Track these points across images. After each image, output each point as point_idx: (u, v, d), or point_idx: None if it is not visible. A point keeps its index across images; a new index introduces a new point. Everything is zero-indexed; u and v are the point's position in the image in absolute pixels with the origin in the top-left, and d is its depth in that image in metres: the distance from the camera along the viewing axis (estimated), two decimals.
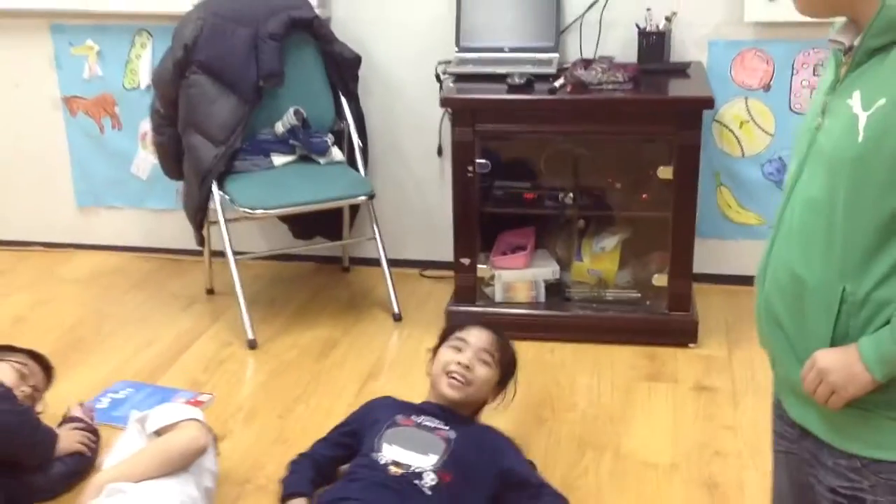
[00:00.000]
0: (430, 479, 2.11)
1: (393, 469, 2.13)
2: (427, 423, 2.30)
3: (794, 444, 1.57)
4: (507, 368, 2.48)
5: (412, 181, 3.59)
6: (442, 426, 2.29)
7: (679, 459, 2.57)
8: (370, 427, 2.28)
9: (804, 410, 1.50)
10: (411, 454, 2.18)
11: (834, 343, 1.42)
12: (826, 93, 1.44)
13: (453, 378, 2.37)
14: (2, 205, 3.97)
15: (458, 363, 2.37)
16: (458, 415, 2.37)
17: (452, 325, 2.57)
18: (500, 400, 2.49)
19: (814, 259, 1.42)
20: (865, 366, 1.38)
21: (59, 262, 3.86)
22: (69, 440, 2.48)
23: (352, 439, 2.33)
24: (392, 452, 2.17)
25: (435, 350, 2.49)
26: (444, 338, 2.50)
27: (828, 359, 1.41)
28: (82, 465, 2.47)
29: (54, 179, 3.88)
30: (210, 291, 3.57)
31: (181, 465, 2.15)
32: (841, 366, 1.40)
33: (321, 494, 2.20)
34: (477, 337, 2.44)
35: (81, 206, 3.92)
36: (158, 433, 2.22)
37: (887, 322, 1.36)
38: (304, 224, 3.59)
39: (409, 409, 2.38)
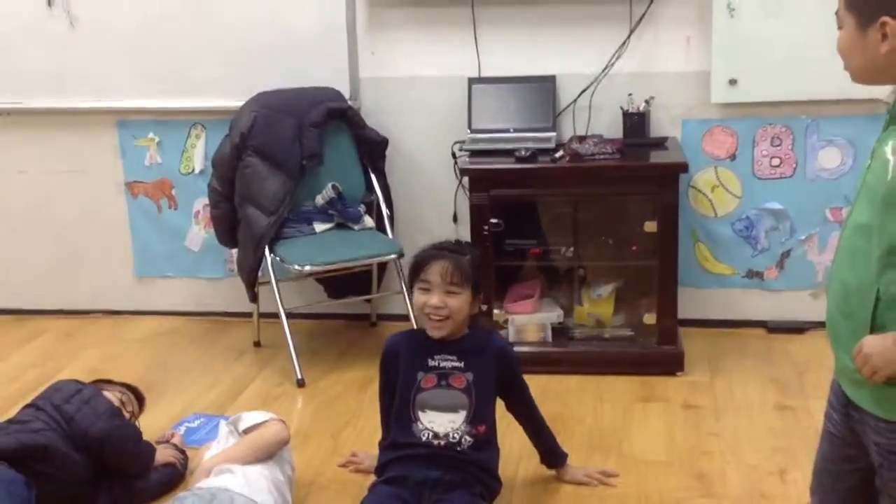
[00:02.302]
0: (466, 442, 2.60)
1: (436, 443, 2.60)
2: (445, 366, 2.65)
3: (841, 416, 1.94)
4: (475, 280, 2.67)
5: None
6: (457, 365, 2.65)
7: (672, 458, 3.05)
8: (402, 388, 2.68)
9: (857, 391, 1.86)
10: (444, 416, 2.62)
11: (874, 332, 1.75)
12: (877, 140, 1.81)
13: (432, 319, 2.64)
14: (68, 277, 4.46)
15: (431, 305, 2.62)
16: (461, 340, 2.69)
17: (416, 264, 2.69)
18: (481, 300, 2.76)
19: (857, 268, 1.78)
20: None
21: (120, 325, 4.36)
22: (164, 454, 2.95)
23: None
24: (427, 420, 2.62)
25: (410, 288, 2.75)
26: (412, 277, 2.69)
27: (871, 345, 1.75)
28: (175, 477, 2.93)
29: (116, 253, 4.39)
30: (257, 344, 4.07)
31: (269, 454, 2.64)
32: (881, 350, 1.73)
33: (383, 458, 2.69)
34: (436, 274, 2.61)
35: (140, 276, 4.43)
36: (247, 432, 2.71)
37: None
38: (337, 284, 4.11)
39: (424, 355, 2.68)
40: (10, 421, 2.80)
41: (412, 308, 2.70)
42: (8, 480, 2.52)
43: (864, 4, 1.75)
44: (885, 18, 1.71)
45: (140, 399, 3.12)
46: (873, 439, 1.87)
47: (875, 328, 1.79)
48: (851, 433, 1.96)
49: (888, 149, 1.75)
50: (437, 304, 2.62)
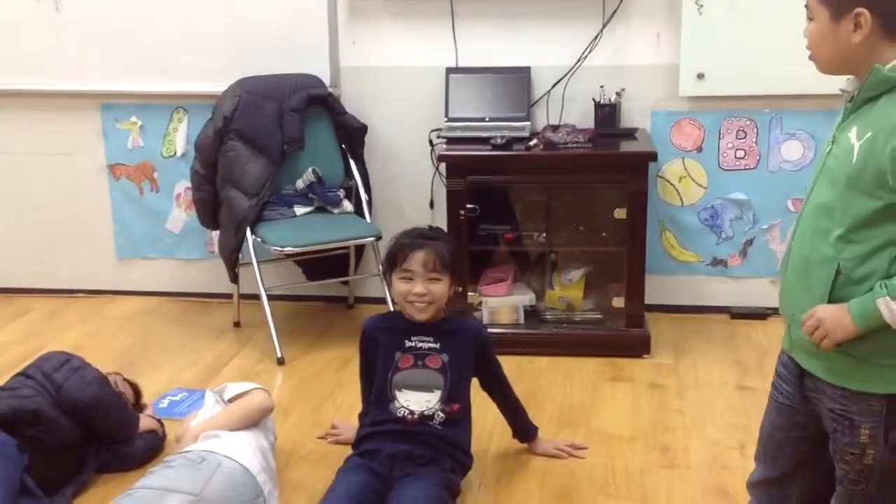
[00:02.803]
0: (439, 418, 2.71)
1: (410, 417, 2.71)
2: (421, 347, 2.75)
3: (794, 386, 2.08)
4: (454, 266, 2.77)
5: None
6: (433, 346, 2.76)
7: (638, 433, 3.19)
8: (380, 368, 2.77)
9: (811, 360, 2.00)
10: (420, 395, 2.72)
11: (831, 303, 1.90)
12: (835, 128, 1.95)
13: (416, 304, 2.73)
14: (51, 257, 4.54)
15: (415, 293, 2.71)
16: (438, 323, 2.79)
17: (394, 253, 2.76)
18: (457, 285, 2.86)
19: (817, 244, 1.91)
20: (852, 317, 1.86)
21: (101, 305, 4.45)
22: (146, 421, 3.07)
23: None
24: (404, 398, 2.72)
25: (386, 276, 2.83)
26: (390, 265, 2.76)
27: (824, 310, 1.90)
28: (157, 443, 3.05)
29: (97, 235, 4.47)
30: (237, 324, 4.17)
31: (254, 421, 2.75)
32: (833, 316, 1.89)
33: (360, 433, 2.80)
34: (419, 263, 2.69)
35: (121, 257, 4.51)
36: (232, 401, 2.82)
37: (870, 290, 1.85)
38: (316, 267, 4.21)
39: (402, 336, 2.78)
40: (0, 388, 2.90)
41: (390, 293, 2.76)
42: (1, 443, 2.62)
43: None
44: (861, 9, 1.84)
45: (136, 390, 3.20)
46: (828, 406, 2.00)
47: (832, 302, 1.92)
48: (804, 402, 2.09)
49: (852, 135, 1.88)
50: (421, 291, 2.71)
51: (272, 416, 2.93)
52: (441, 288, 2.75)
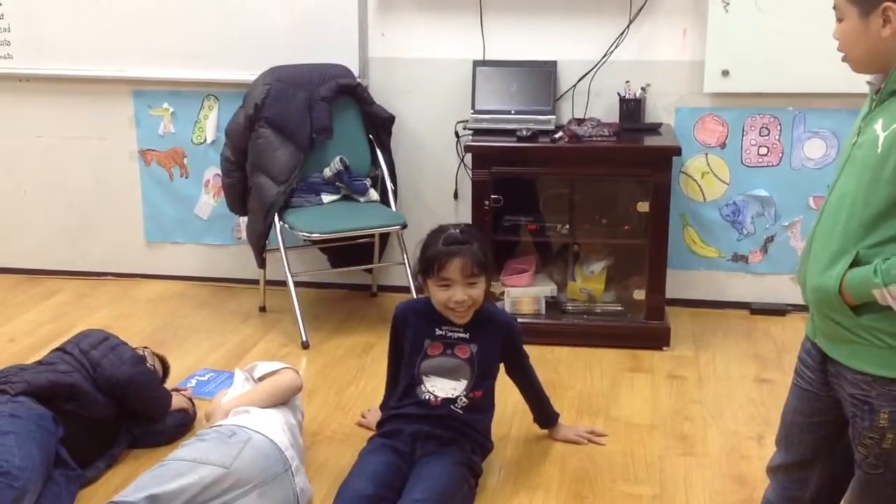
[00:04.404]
0: (461, 403, 2.76)
1: (433, 400, 2.76)
2: (451, 336, 2.79)
3: (816, 373, 2.12)
4: (490, 267, 2.81)
5: (432, 220, 4.18)
6: (463, 336, 2.80)
7: (657, 421, 3.24)
8: (409, 353, 2.82)
9: (833, 346, 2.05)
10: (446, 382, 2.77)
11: None
12: (861, 119, 1.99)
13: (458, 311, 2.76)
14: (81, 240, 4.63)
15: (456, 301, 2.73)
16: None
17: (430, 260, 2.74)
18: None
19: (839, 232, 1.96)
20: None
21: (130, 288, 4.53)
22: (178, 400, 3.14)
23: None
24: (430, 384, 2.78)
25: (421, 276, 2.80)
26: (426, 270, 2.75)
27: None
28: (187, 420, 3.12)
29: (127, 219, 4.55)
30: (262, 309, 4.24)
31: (283, 399, 2.82)
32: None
33: (383, 414, 2.87)
34: (457, 270, 2.70)
35: (150, 241, 4.59)
36: (262, 379, 2.89)
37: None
38: (340, 254, 4.28)
39: (433, 324, 2.81)
40: (38, 362, 2.98)
41: (434, 301, 2.77)
42: (38, 415, 2.70)
43: None
44: (888, 3, 1.87)
45: (164, 363, 3.27)
46: (848, 391, 2.05)
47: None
48: (825, 387, 2.14)
49: (878, 126, 1.92)
50: (461, 299, 2.73)
51: (300, 395, 2.99)
52: (479, 290, 2.77)
